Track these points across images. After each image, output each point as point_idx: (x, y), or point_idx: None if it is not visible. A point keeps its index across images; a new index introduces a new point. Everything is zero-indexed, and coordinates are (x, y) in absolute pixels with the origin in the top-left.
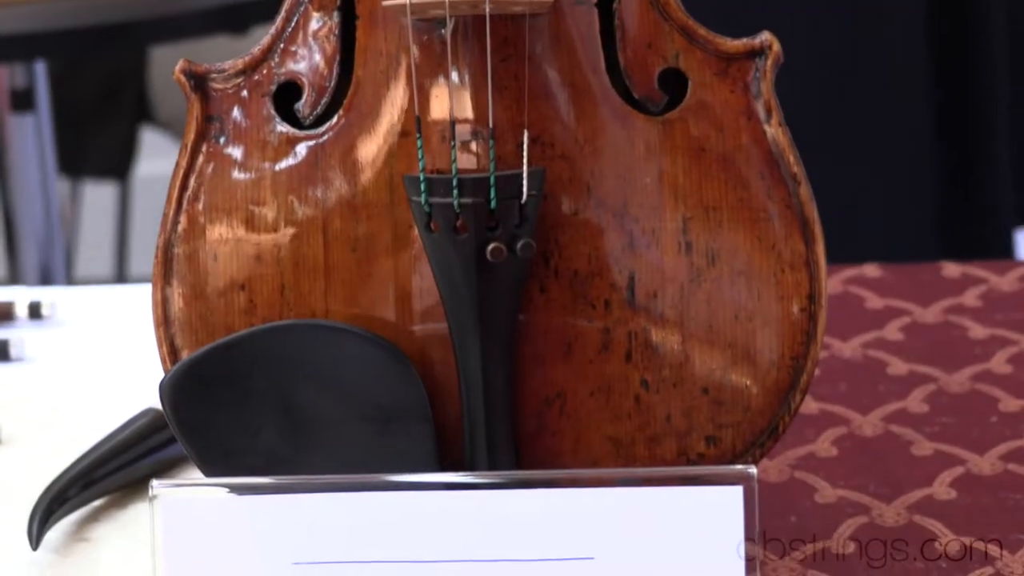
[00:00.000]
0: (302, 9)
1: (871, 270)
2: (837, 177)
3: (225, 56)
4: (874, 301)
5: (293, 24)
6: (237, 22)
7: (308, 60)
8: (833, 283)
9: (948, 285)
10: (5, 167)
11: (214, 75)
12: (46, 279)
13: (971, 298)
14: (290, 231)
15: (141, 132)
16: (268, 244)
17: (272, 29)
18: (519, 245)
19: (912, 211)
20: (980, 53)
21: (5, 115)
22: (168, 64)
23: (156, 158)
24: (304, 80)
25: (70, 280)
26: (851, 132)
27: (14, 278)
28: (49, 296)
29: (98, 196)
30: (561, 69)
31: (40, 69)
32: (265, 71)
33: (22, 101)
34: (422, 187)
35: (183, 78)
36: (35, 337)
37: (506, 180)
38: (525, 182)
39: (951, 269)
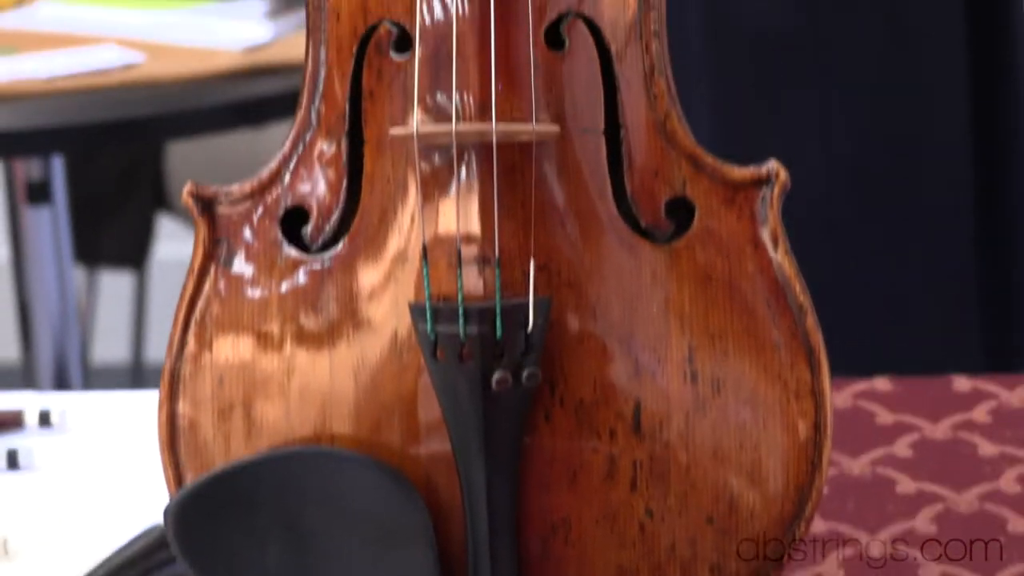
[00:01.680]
0: (310, 134)
1: (882, 383)
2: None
3: (241, 147)
4: (884, 416)
5: (301, 149)
6: (254, 116)
7: (315, 185)
8: (843, 397)
9: (958, 400)
10: (21, 257)
11: (222, 198)
12: (61, 367)
13: (981, 413)
14: (296, 355)
15: (158, 219)
16: (274, 368)
17: (279, 153)
18: (525, 375)
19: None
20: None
21: (22, 207)
22: (185, 152)
23: (173, 241)
24: (311, 205)
25: (85, 366)
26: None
27: (28, 370)
28: (60, 403)
29: (115, 281)
30: (568, 196)
31: (57, 162)
32: (272, 195)
33: (38, 193)
34: (427, 315)
35: (191, 201)
36: (44, 445)
37: (512, 309)
38: (531, 312)
39: (961, 383)
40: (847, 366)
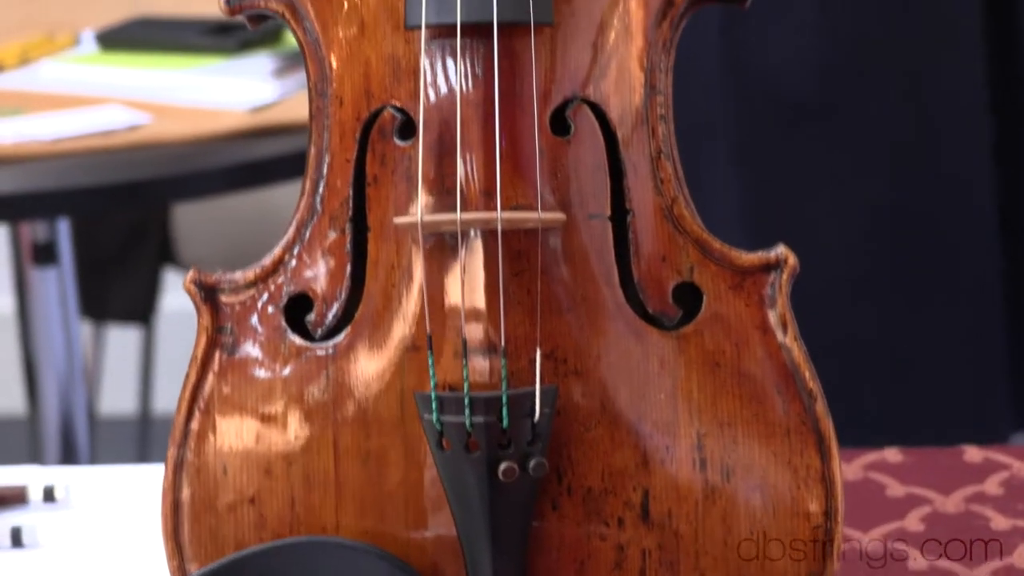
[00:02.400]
0: (313, 220)
1: (892, 455)
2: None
3: (247, 201)
4: (895, 488)
5: (304, 235)
6: (261, 177)
7: (319, 272)
8: (854, 469)
9: (970, 471)
10: (27, 316)
11: (224, 285)
12: (67, 422)
13: (993, 485)
14: (300, 444)
15: (164, 273)
16: (278, 457)
17: (283, 240)
18: (531, 464)
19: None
20: None
21: (28, 267)
22: (191, 207)
23: (180, 293)
24: (315, 292)
25: (92, 419)
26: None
27: (33, 425)
28: (65, 477)
29: (123, 332)
30: (575, 283)
31: (63, 223)
32: (276, 283)
33: (45, 255)
34: (433, 405)
35: (193, 288)
36: (49, 522)
37: (519, 399)
38: (538, 401)
39: (973, 454)
40: (872, 428)
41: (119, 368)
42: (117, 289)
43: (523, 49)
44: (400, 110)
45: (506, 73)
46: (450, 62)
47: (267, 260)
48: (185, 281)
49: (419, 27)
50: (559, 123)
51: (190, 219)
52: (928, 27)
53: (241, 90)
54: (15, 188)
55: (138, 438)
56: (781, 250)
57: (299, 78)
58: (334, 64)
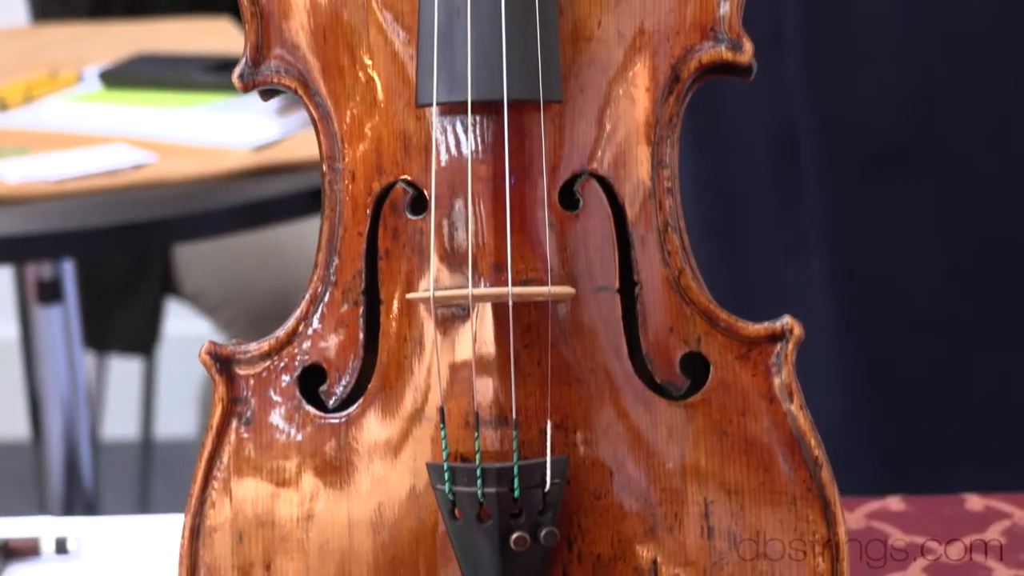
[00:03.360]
0: (327, 293)
1: (894, 503)
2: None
3: (251, 238)
4: (898, 537)
5: (318, 307)
6: (265, 216)
7: (332, 344)
8: (856, 518)
9: (971, 520)
10: (31, 350)
11: (239, 356)
12: (71, 450)
13: (995, 533)
14: (314, 512)
15: (166, 304)
16: (292, 526)
17: (297, 311)
18: (543, 533)
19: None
20: None
21: (32, 304)
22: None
23: (181, 320)
24: (328, 363)
25: (95, 445)
26: None
27: (37, 453)
28: (76, 528)
29: (124, 361)
30: (584, 355)
31: (68, 262)
32: (290, 355)
33: (49, 293)
34: (446, 476)
35: (208, 360)
36: (61, 573)
37: (529, 469)
38: (549, 471)
39: (974, 502)
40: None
41: (121, 394)
42: (119, 321)
43: (533, 125)
44: (412, 185)
45: (516, 149)
46: (461, 138)
47: (281, 332)
48: (200, 353)
49: (430, 105)
50: (568, 197)
51: (192, 250)
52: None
53: (245, 129)
54: (20, 229)
55: (140, 464)
56: (787, 321)
57: (302, 116)
58: (346, 139)
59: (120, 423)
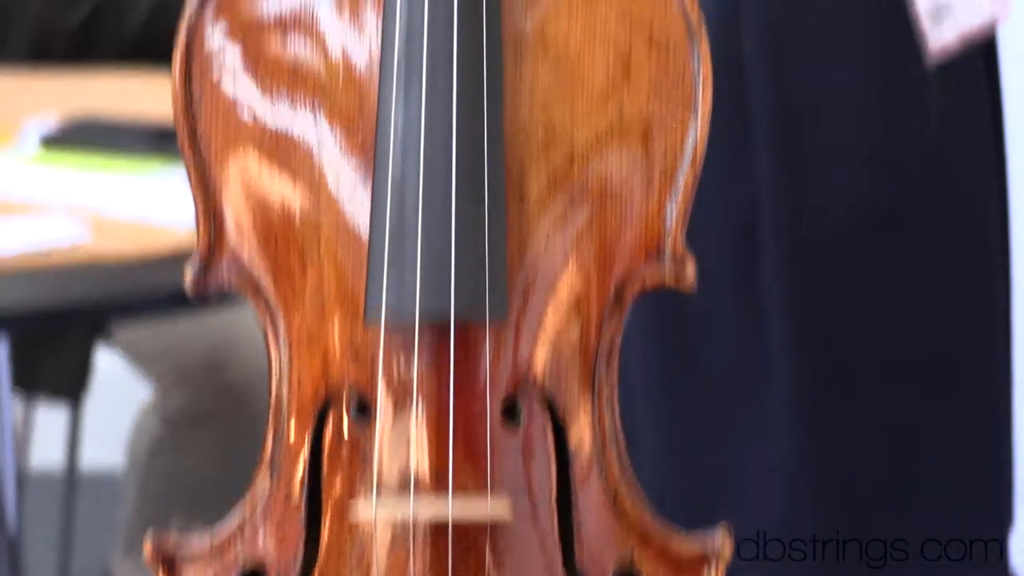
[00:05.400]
0: (269, 495)
1: None
2: None
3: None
4: None
5: (259, 509)
6: (199, 302)
7: (273, 546)
8: None
9: None
10: None
11: (183, 554)
12: None
13: None
14: None
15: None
16: None
17: (238, 511)
18: None
19: None
20: None
21: None
22: None
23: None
24: (270, 565)
25: (20, 480)
26: None
27: None
28: None
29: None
30: (520, 566)
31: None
32: (232, 555)
33: None
34: None
35: (153, 559)
36: None
37: None
38: None
39: None
40: None
41: (47, 427)
42: (48, 364)
43: (477, 342)
44: (357, 393)
45: (460, 364)
46: (407, 352)
47: (224, 531)
48: (145, 551)
49: (378, 322)
50: (510, 412)
51: None
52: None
53: (185, 204)
54: None
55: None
56: (718, 540)
57: None
58: (294, 344)
59: (46, 456)
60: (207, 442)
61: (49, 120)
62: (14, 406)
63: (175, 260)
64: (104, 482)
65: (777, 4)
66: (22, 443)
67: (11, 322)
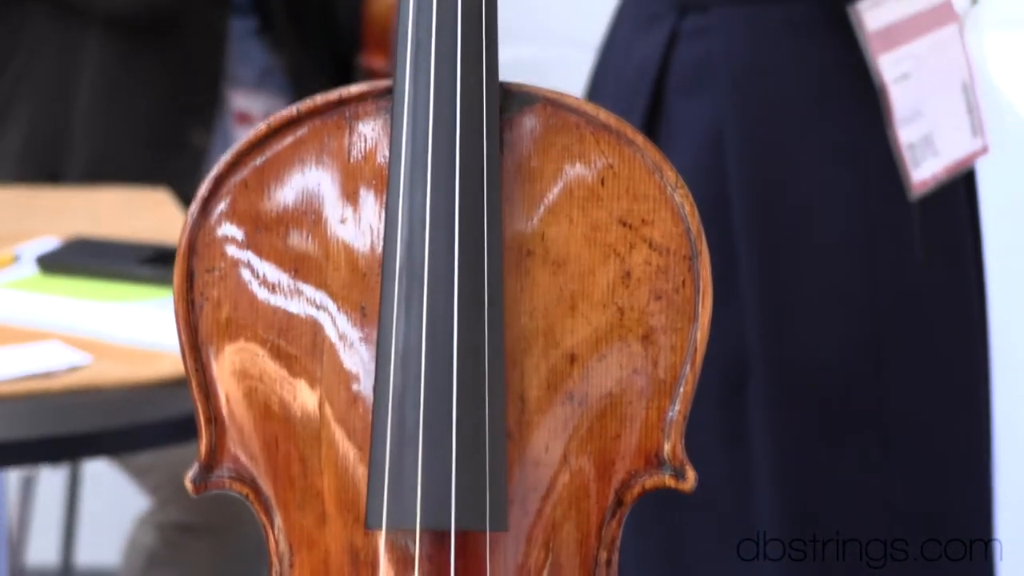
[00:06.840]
0: None
1: None
2: None
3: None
4: None
5: None
6: (186, 434)
7: None
8: None
9: None
10: None
11: None
12: None
13: None
14: None
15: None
16: None
17: None
18: None
19: None
20: None
21: None
22: None
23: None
24: None
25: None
26: None
27: None
28: None
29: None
30: None
31: None
32: None
33: None
34: None
35: None
36: None
37: None
38: None
39: None
40: None
41: (44, 519)
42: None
43: (477, 549)
44: None
45: (460, 572)
46: (407, 558)
47: None
48: None
49: (379, 529)
50: None
51: None
52: None
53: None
54: None
55: None
56: None
57: None
58: (295, 547)
59: (42, 549)
60: (203, 554)
61: (48, 242)
62: (10, 502)
63: (174, 387)
64: None
65: (764, 160)
66: (18, 540)
67: (7, 457)
